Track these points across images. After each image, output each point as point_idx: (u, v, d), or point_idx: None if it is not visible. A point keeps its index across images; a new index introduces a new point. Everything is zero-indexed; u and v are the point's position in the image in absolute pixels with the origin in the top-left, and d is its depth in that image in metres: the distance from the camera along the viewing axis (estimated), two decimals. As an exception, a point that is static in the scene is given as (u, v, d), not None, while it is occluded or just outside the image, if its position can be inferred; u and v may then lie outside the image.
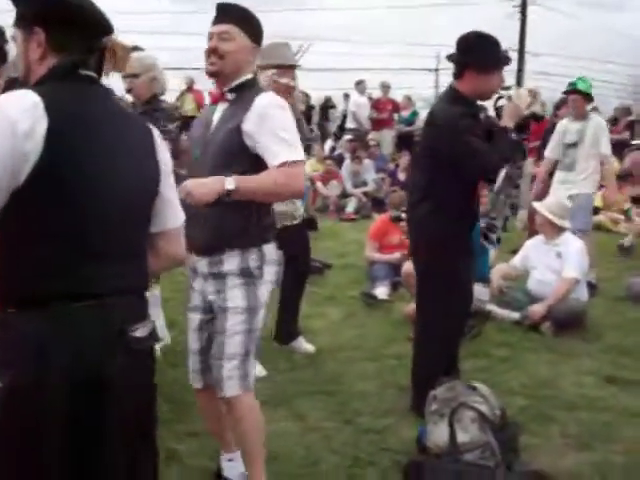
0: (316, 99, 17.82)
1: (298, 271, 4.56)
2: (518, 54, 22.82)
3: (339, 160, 11.69)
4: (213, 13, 2.71)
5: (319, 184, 10.44)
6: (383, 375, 4.28)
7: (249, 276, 2.62)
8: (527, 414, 3.77)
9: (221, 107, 2.72)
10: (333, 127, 16.26)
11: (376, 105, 13.73)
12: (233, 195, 2.45)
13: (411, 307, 4.62)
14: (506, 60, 3.56)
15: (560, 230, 5.50)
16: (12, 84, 2.66)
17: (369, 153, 12.02)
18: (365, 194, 10.38)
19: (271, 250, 2.70)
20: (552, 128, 7.23)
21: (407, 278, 5.18)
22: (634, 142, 10.50)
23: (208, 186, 2.46)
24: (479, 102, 3.67)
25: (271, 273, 2.69)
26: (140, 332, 1.77)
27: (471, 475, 2.90)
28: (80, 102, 1.69)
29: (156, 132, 1.87)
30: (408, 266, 5.27)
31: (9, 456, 1.61)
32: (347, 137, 12.47)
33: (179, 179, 2.29)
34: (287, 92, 4.18)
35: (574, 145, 6.40)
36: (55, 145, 1.58)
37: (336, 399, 3.91)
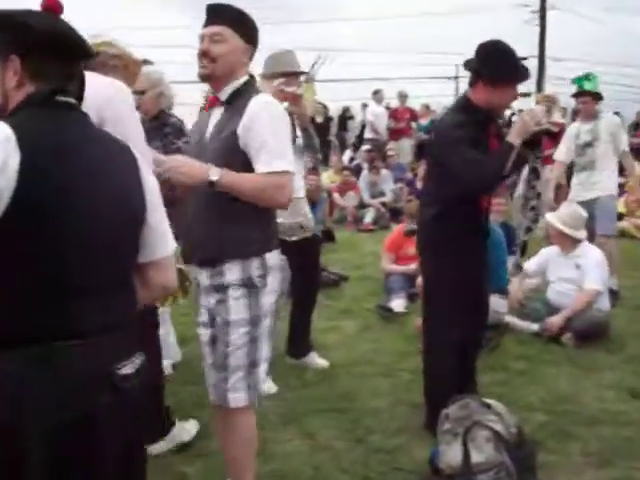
0: (334, 110, 17.83)
1: (309, 284, 4.47)
2: (538, 60, 22.65)
3: (357, 170, 11.60)
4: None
5: (336, 195, 10.35)
6: (397, 391, 4.17)
7: (251, 286, 2.55)
8: (546, 430, 3.64)
9: (217, 112, 2.65)
10: (352, 137, 16.22)
11: (394, 114, 13.66)
12: (216, 186, 2.41)
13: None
14: (523, 75, 3.41)
15: (576, 241, 5.34)
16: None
17: (387, 163, 11.92)
18: (383, 204, 10.27)
19: (274, 258, 2.62)
20: (570, 134, 7.09)
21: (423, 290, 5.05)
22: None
23: (193, 170, 2.43)
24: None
25: (275, 282, 2.61)
26: (127, 369, 1.69)
27: (485, 497, 2.78)
28: (57, 131, 1.62)
29: (140, 160, 1.79)
30: (423, 278, 5.16)
31: None
32: (365, 147, 12.38)
33: None
34: (295, 101, 4.12)
35: (589, 145, 6.25)
36: (30, 179, 1.50)
37: (348, 417, 3.81)
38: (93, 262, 1.62)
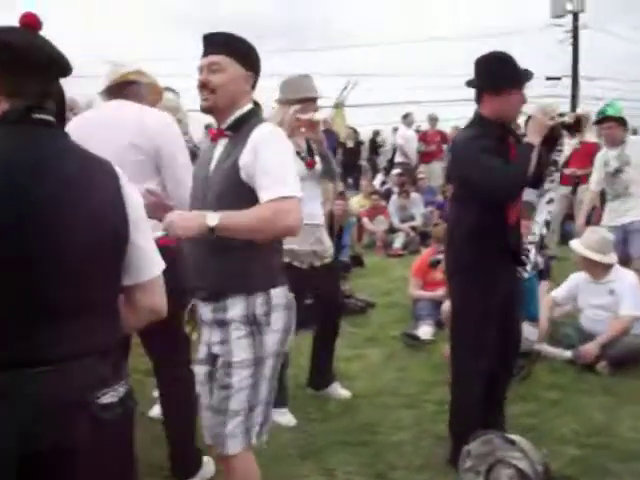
0: (365, 134, 17.78)
1: (330, 312, 4.35)
2: (572, 79, 22.36)
3: (387, 195, 11.49)
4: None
5: (365, 220, 10.23)
6: (422, 423, 4.00)
7: (255, 324, 2.43)
8: (578, 466, 3.45)
9: (221, 144, 2.55)
10: (383, 161, 16.13)
11: (424, 137, 13.54)
12: (217, 232, 2.28)
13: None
14: (525, 77, 3.34)
15: (608, 266, 5.12)
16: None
17: (417, 186, 11.79)
18: (413, 229, 10.11)
19: (280, 295, 2.49)
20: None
21: (448, 316, 4.89)
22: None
23: (191, 220, 2.31)
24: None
25: (280, 320, 2.48)
26: (108, 398, 1.60)
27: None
28: (33, 147, 1.56)
29: (123, 178, 1.71)
30: (448, 304, 5.00)
31: None
32: (395, 171, 12.27)
33: None
34: (312, 127, 4.03)
35: (619, 171, 6.05)
36: (6, 195, 1.46)
37: (369, 450, 3.66)
38: (66, 283, 1.55)
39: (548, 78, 21.53)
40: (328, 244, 4.23)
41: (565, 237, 8.92)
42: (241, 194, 2.38)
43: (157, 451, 3.60)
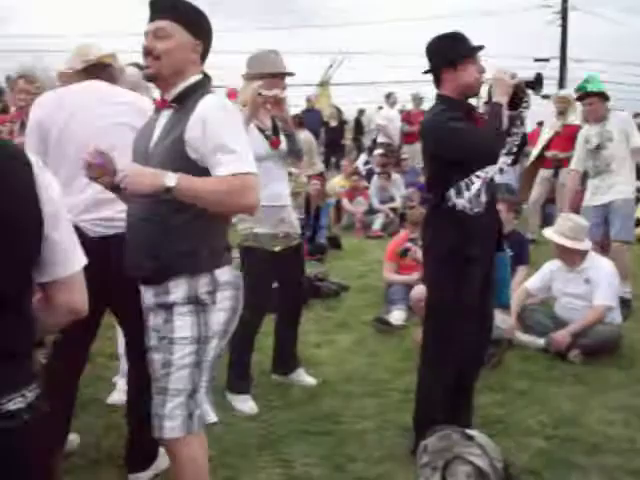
0: (350, 113, 17.57)
1: (293, 297, 4.21)
2: (560, 61, 22.21)
3: (369, 175, 11.32)
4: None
5: (345, 200, 10.07)
6: (386, 412, 3.89)
7: (199, 303, 2.30)
8: (543, 459, 3.36)
9: (164, 116, 2.40)
10: (368, 141, 15.93)
11: (407, 118, 13.35)
12: (173, 193, 2.16)
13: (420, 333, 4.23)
14: (477, 48, 3.31)
15: (582, 253, 5.01)
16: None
17: (401, 167, 11.64)
18: (393, 210, 9.96)
19: (226, 274, 2.36)
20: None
21: (417, 303, 4.78)
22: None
23: (148, 177, 2.18)
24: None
25: (226, 299, 2.35)
26: (14, 404, 1.48)
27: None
28: None
29: (38, 167, 1.56)
30: (417, 290, 4.89)
31: None
32: (377, 151, 12.09)
33: None
34: (277, 105, 3.87)
35: (600, 147, 5.92)
36: None
37: (330, 441, 3.55)
38: None
39: (536, 60, 21.39)
40: (295, 225, 4.08)
41: (546, 220, 8.83)
42: (185, 170, 2.24)
43: (111, 439, 3.49)
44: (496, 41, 3.26)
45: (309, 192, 8.22)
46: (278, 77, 3.94)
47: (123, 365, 3.78)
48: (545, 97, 11.00)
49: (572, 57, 22.55)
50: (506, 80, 3.20)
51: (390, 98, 13.79)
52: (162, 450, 3.21)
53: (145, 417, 3.10)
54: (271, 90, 3.81)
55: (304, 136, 11.12)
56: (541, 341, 4.89)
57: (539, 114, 10.58)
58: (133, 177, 2.18)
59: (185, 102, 2.33)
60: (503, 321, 4.69)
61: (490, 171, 3.24)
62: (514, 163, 3.50)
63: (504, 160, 3.31)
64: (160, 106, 2.43)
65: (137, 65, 4.71)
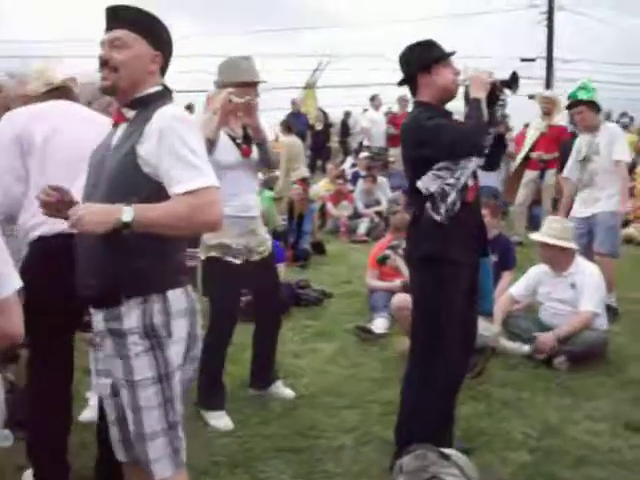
0: (337, 116, 17.43)
1: (268, 309, 4.08)
2: (546, 61, 22.17)
3: (356, 178, 11.20)
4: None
5: (329, 205, 9.95)
6: (366, 426, 3.77)
7: (154, 337, 2.16)
8: (527, 473, 3.26)
9: (121, 128, 2.26)
10: (355, 144, 15.80)
11: (392, 120, 13.23)
12: (133, 228, 2.02)
13: (406, 342, 4.09)
14: (449, 52, 3.27)
15: (570, 257, 4.91)
16: None
17: (387, 171, 11.54)
18: (378, 214, 9.84)
19: (179, 298, 2.21)
20: (572, 139, 6.66)
21: (398, 311, 4.67)
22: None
23: (102, 215, 2.03)
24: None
25: (182, 328, 2.21)
26: None
27: None
28: None
29: None
30: (398, 298, 4.77)
31: None
32: (363, 154, 11.99)
33: None
34: (249, 112, 3.75)
35: (587, 159, 5.82)
36: None
37: (307, 457, 3.42)
38: None
39: (523, 59, 21.33)
40: (264, 237, 3.95)
41: (533, 222, 8.75)
42: (137, 184, 2.11)
43: (83, 459, 3.33)
44: (482, 42, 3.17)
45: (292, 197, 8.10)
46: (250, 84, 3.83)
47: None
48: (531, 97, 10.90)
49: (559, 57, 22.57)
50: (482, 77, 3.14)
51: (375, 100, 13.70)
52: None
53: None
54: (243, 97, 3.70)
55: (291, 140, 11.06)
56: (526, 347, 4.78)
57: (526, 115, 10.52)
58: (88, 218, 2.04)
59: (141, 112, 2.20)
60: (486, 329, 4.56)
61: (462, 177, 3.14)
62: (490, 166, 3.39)
63: (477, 161, 3.21)
64: (116, 121, 2.30)
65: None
